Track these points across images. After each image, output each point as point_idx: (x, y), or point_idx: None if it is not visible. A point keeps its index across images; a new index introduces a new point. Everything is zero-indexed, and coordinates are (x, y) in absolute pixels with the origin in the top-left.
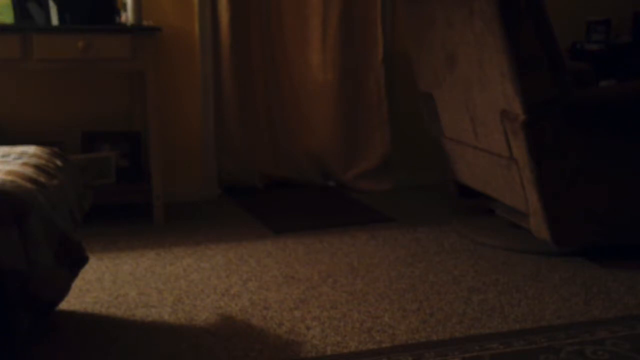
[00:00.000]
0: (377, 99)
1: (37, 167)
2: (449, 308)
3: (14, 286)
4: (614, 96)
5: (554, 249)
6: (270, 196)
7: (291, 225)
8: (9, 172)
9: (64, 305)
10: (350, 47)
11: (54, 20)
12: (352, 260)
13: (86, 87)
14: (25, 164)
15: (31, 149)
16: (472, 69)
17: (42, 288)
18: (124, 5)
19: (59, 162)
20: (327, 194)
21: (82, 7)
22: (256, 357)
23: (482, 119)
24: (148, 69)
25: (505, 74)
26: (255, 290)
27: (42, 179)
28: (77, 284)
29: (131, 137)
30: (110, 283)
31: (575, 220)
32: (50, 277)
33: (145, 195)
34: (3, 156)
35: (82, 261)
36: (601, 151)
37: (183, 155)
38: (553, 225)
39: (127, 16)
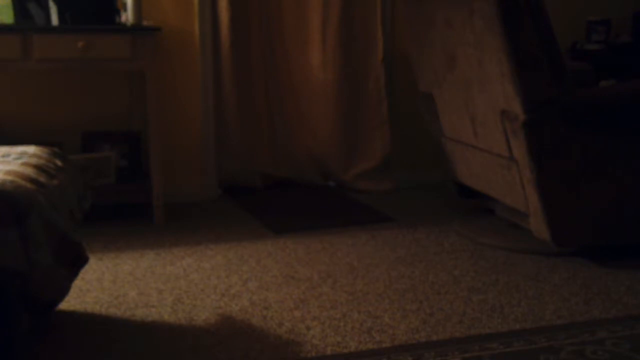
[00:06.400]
0: (377, 99)
1: (37, 167)
2: (449, 308)
3: (14, 286)
4: (614, 96)
5: (554, 249)
6: (270, 196)
7: (291, 225)
8: (9, 172)
9: (64, 305)
10: (350, 47)
11: (54, 20)
12: (352, 260)
13: (86, 87)
14: (25, 164)
15: (31, 149)
16: (472, 69)
17: (42, 288)
18: (124, 5)
19: (59, 162)
20: (327, 194)
21: (82, 7)
22: (256, 357)
23: (482, 119)
24: (148, 69)
25: (505, 73)
26: (255, 290)
27: (42, 179)
28: (77, 284)
29: (131, 137)
30: (110, 283)
31: (575, 220)
32: (50, 277)
33: (145, 195)
34: (3, 156)
35: (82, 261)
36: (601, 151)
37: (183, 155)
38: (553, 225)
39: (127, 16)
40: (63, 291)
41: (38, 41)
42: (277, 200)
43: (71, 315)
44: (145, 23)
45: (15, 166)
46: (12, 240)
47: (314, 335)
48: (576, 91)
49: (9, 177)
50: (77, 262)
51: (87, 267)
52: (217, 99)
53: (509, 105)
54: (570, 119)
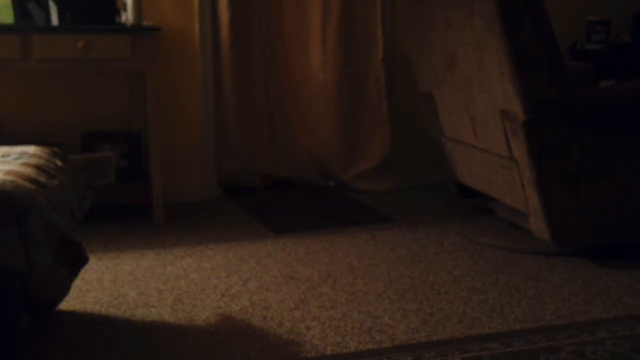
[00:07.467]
0: (377, 99)
1: (37, 167)
2: (449, 308)
3: (14, 286)
4: (614, 96)
5: (554, 249)
6: (270, 196)
7: (291, 225)
8: (9, 172)
9: (64, 305)
10: (350, 47)
11: (54, 20)
12: (352, 260)
13: (86, 87)
14: (25, 164)
15: (31, 149)
16: (472, 69)
17: (42, 288)
18: (124, 5)
19: (59, 162)
20: (327, 194)
21: (82, 7)
22: (256, 357)
23: (482, 119)
24: (148, 69)
25: (505, 73)
26: (255, 290)
27: (42, 179)
28: (77, 284)
29: (131, 137)
30: (110, 283)
31: (575, 220)
32: (50, 277)
33: (145, 195)
34: (3, 156)
35: (82, 261)
36: (601, 151)
37: (183, 155)
38: (553, 225)
39: (127, 16)
40: (63, 291)
41: (38, 41)
42: (277, 200)
43: (71, 315)
44: (145, 23)
45: (15, 166)
46: (12, 240)
47: (314, 335)
48: (576, 91)
49: (9, 177)
50: (77, 262)
51: (87, 267)
52: (217, 99)
53: (509, 105)
54: (570, 119)
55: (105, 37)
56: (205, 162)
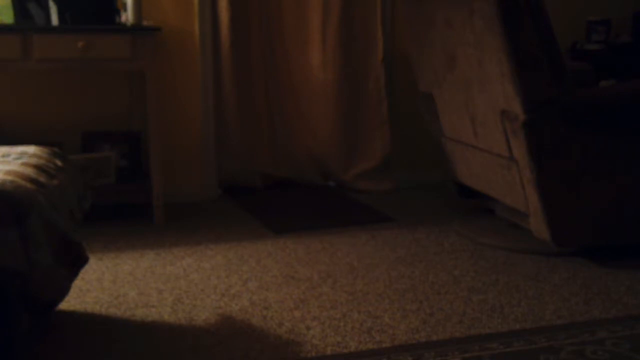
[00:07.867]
0: (377, 99)
1: (37, 167)
2: (449, 308)
3: (14, 286)
4: (614, 96)
5: (554, 249)
6: (270, 196)
7: (291, 225)
8: (9, 172)
9: (64, 305)
10: (350, 47)
11: (54, 20)
12: (352, 260)
13: (86, 87)
14: (25, 164)
15: (31, 149)
16: (472, 69)
17: (42, 288)
18: (124, 5)
19: (59, 162)
20: (327, 194)
21: (82, 7)
22: (256, 357)
23: (482, 119)
24: (148, 69)
25: (505, 73)
26: (255, 290)
27: (42, 179)
28: (77, 284)
29: (131, 137)
30: (110, 283)
31: (576, 220)
32: (50, 277)
33: (145, 195)
34: (3, 156)
35: (82, 261)
36: (601, 151)
37: (183, 155)
38: (553, 225)
39: (127, 16)
40: (63, 291)
41: (38, 41)
42: (277, 200)
43: (71, 315)
44: (145, 23)
45: (15, 166)
46: (12, 240)
47: (314, 335)
48: (576, 91)
49: (9, 177)
50: (77, 262)
51: (87, 267)
52: (217, 99)
53: (509, 105)
54: (570, 119)
55: (105, 37)
56: (205, 162)
